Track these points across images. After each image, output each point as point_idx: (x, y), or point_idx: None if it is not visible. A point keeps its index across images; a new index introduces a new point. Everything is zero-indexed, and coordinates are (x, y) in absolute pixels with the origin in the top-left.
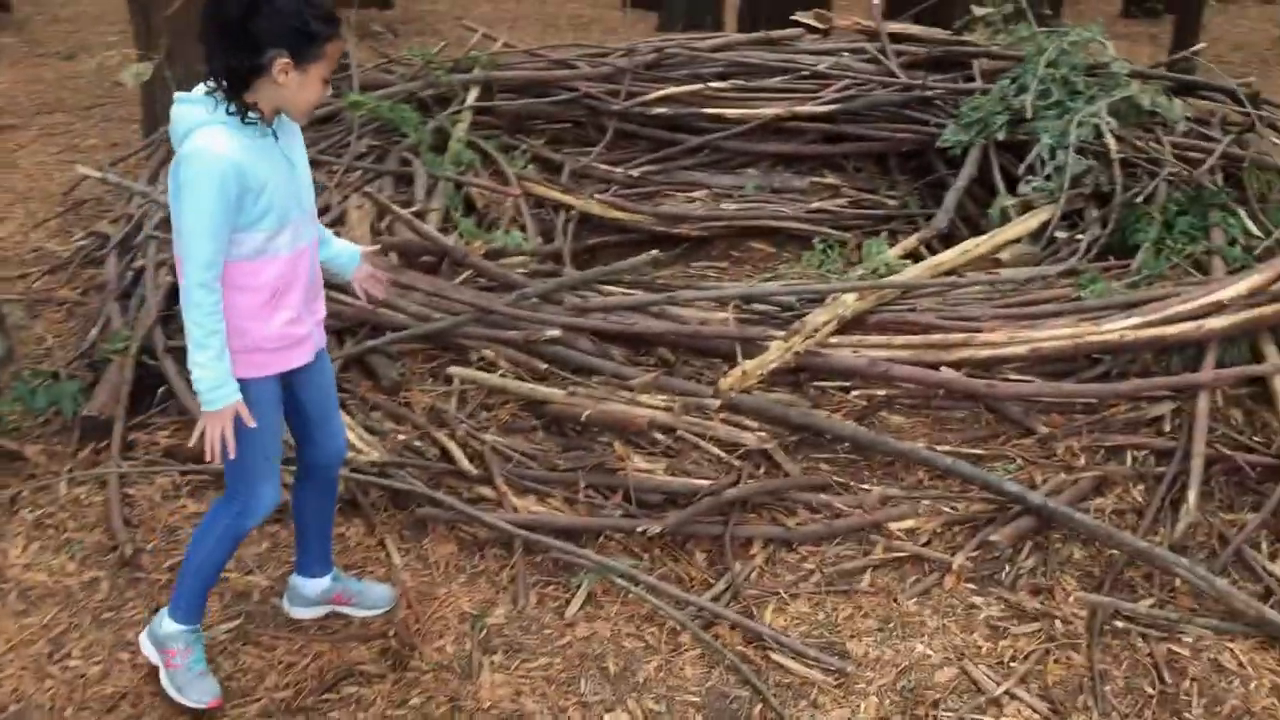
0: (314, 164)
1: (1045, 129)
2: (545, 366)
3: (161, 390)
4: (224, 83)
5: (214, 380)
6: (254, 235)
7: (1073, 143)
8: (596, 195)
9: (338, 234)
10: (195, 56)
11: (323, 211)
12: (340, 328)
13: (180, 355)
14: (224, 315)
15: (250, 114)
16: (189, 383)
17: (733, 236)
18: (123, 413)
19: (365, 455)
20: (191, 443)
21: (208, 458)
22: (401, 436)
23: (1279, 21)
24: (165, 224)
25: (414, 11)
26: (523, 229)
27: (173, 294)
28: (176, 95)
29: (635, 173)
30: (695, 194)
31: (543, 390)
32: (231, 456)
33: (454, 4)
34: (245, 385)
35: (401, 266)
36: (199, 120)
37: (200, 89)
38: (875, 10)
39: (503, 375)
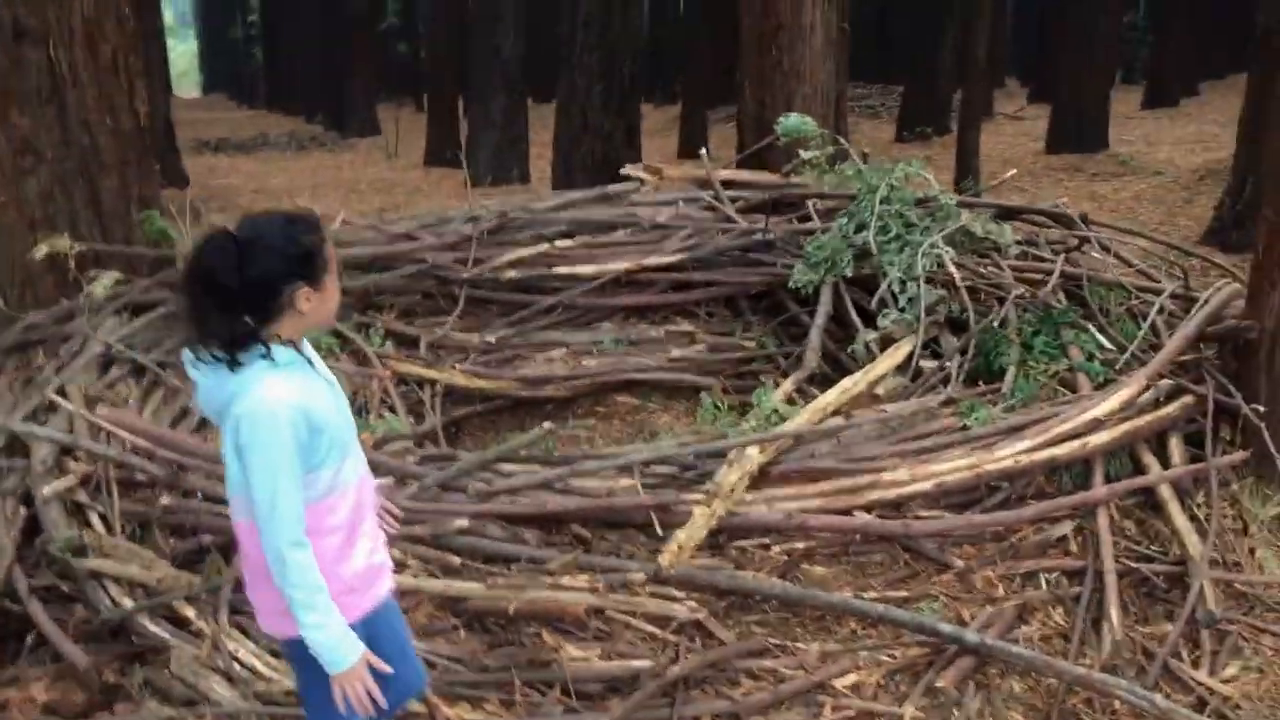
0: (162, 366)
1: (891, 262)
2: (458, 560)
3: (31, 638)
4: (237, 343)
5: (335, 638)
6: (323, 474)
7: (921, 274)
8: (457, 365)
9: (204, 439)
10: (12, 260)
11: (181, 417)
12: (225, 542)
13: (48, 595)
14: None
15: (281, 348)
16: (61, 625)
17: (597, 393)
18: None
19: (276, 683)
20: (342, 709)
21: (361, 716)
22: None
23: (1035, 136)
24: (7, 451)
25: (212, 187)
26: (392, 410)
27: (32, 528)
28: (188, 360)
29: (492, 338)
30: (554, 354)
31: (459, 586)
32: (385, 707)
33: (249, 177)
34: None
35: None
36: (244, 377)
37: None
38: (705, 160)
39: (414, 575)
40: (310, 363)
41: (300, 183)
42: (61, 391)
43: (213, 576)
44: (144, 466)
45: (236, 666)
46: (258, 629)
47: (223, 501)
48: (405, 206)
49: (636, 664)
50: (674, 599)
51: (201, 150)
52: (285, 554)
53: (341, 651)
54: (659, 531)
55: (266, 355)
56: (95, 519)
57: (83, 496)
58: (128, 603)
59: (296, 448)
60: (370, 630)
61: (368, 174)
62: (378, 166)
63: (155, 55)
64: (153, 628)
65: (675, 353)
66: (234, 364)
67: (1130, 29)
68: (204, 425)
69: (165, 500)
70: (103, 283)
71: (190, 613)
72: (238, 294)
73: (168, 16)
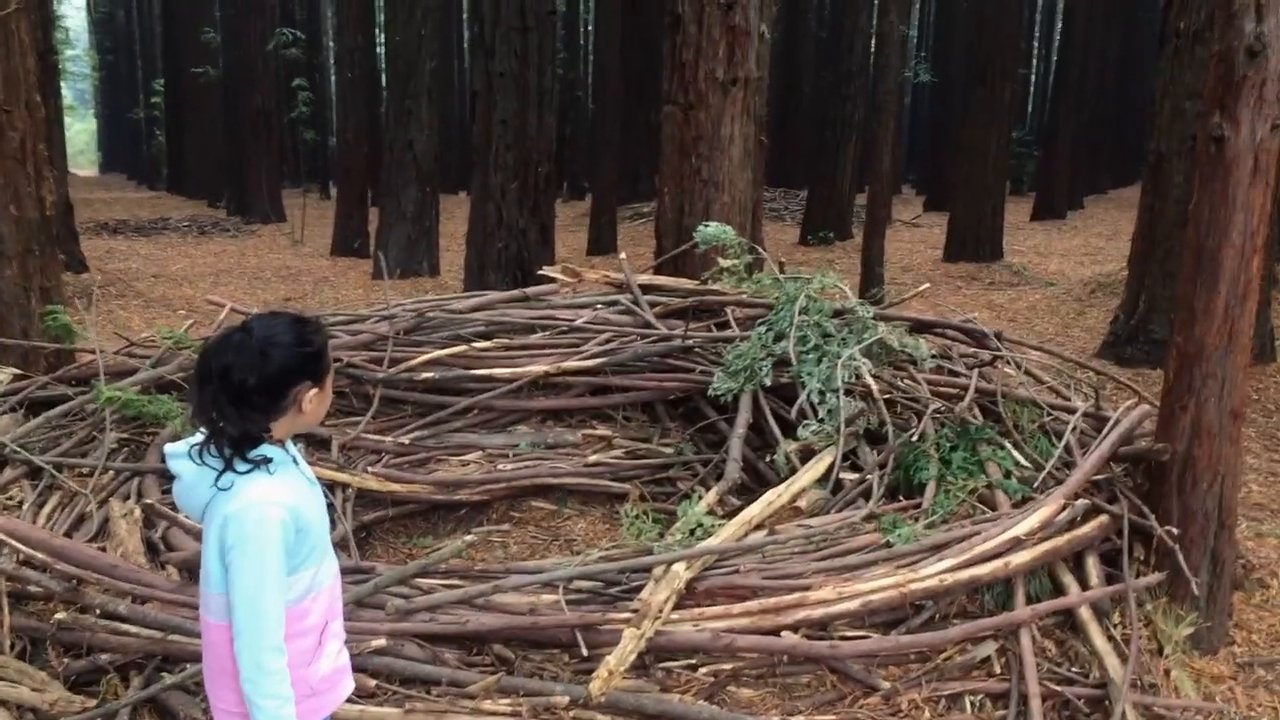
0: (59, 468)
1: (810, 373)
2: (374, 683)
3: None
4: (246, 441)
5: None
6: (303, 575)
7: (840, 386)
8: (369, 469)
9: (103, 549)
10: None
11: (79, 523)
12: (124, 662)
13: None
14: None
15: (273, 448)
16: None
17: (512, 497)
18: None
19: None
20: None
21: None
22: None
23: (932, 244)
24: None
25: (110, 271)
26: None
27: None
28: (170, 450)
29: (406, 440)
30: (469, 456)
31: (374, 711)
32: None
33: (148, 261)
34: None
35: (185, 583)
36: (235, 475)
37: (189, 441)
38: (624, 264)
39: None
40: (295, 461)
41: (202, 268)
42: None
43: (110, 699)
44: (39, 580)
45: None
46: None
47: (121, 619)
48: (312, 296)
49: None
50: None
51: (100, 232)
52: (264, 661)
53: None
54: (584, 652)
55: (264, 457)
56: None
57: None
58: None
59: (285, 550)
60: None
61: (272, 261)
62: (282, 254)
63: (55, 137)
64: None
65: (592, 457)
66: (231, 463)
67: (1018, 144)
68: (101, 535)
69: (60, 615)
70: None
71: None
72: (253, 392)
73: (67, 96)
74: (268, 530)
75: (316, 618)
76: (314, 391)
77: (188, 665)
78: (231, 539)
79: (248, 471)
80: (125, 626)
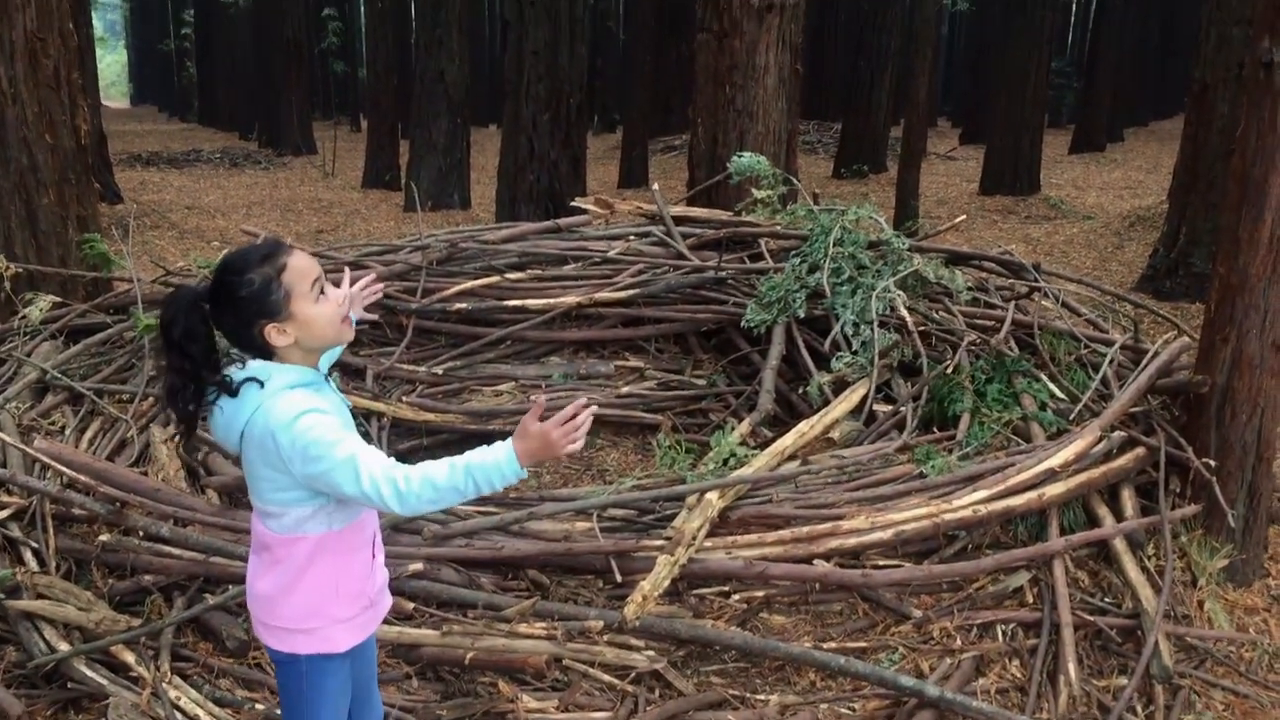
0: (99, 394)
1: (844, 305)
2: (412, 605)
3: None
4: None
5: (492, 476)
6: None
7: (875, 317)
8: (403, 398)
9: (144, 473)
10: None
11: (120, 448)
12: (167, 584)
13: None
14: (339, 583)
15: (290, 368)
16: None
17: None
18: None
19: None
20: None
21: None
22: (259, 706)
23: (968, 176)
24: None
25: (144, 202)
26: None
27: None
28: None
29: (439, 370)
30: (502, 387)
31: (413, 633)
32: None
33: (181, 193)
34: (331, 661)
35: (226, 507)
36: (260, 395)
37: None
38: (657, 195)
39: None
40: (327, 381)
41: (235, 200)
42: None
43: (153, 619)
44: (83, 503)
45: (178, 716)
46: (200, 676)
47: (163, 541)
48: (344, 228)
49: (595, 716)
50: (633, 648)
51: (133, 164)
52: (408, 493)
53: (508, 471)
54: (618, 578)
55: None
56: (29, 555)
57: (16, 531)
58: (63, 646)
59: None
60: (359, 653)
61: (304, 193)
62: (314, 186)
63: (88, 67)
64: (89, 673)
65: (625, 389)
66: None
67: (1057, 74)
68: (142, 459)
69: (104, 537)
70: (39, 305)
71: (130, 657)
72: (222, 341)
73: (98, 28)
74: (315, 417)
75: (368, 532)
76: (273, 325)
77: (229, 586)
78: (298, 445)
79: (269, 389)
80: (168, 548)
